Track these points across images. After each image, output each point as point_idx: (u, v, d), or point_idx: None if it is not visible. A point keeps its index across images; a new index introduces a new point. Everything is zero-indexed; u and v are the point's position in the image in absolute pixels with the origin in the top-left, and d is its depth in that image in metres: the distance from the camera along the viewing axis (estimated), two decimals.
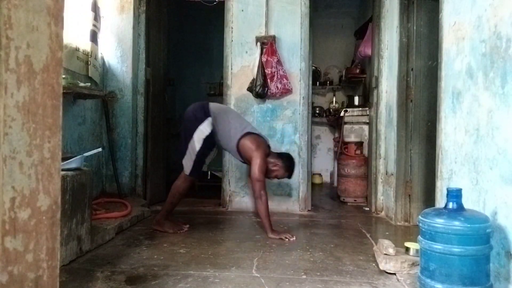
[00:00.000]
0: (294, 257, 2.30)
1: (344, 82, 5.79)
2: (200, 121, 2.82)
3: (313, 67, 4.92)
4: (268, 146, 2.96)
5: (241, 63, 3.78)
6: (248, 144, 2.81)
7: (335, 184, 4.94)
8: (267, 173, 2.87)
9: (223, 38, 3.84)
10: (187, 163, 2.83)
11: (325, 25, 5.84)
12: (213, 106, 2.94)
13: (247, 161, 2.89)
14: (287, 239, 2.67)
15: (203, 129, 2.80)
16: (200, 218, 3.38)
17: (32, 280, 0.82)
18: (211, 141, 2.85)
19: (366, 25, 4.68)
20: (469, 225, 1.53)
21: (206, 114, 2.85)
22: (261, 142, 2.88)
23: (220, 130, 2.85)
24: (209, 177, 5.03)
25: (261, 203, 2.75)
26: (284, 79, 3.62)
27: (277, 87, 3.59)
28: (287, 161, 2.94)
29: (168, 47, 4.43)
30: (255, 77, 3.62)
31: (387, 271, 2.03)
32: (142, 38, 3.86)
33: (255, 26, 3.75)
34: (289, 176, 3.00)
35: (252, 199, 3.73)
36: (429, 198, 2.98)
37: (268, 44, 3.63)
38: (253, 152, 2.78)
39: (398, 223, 3.21)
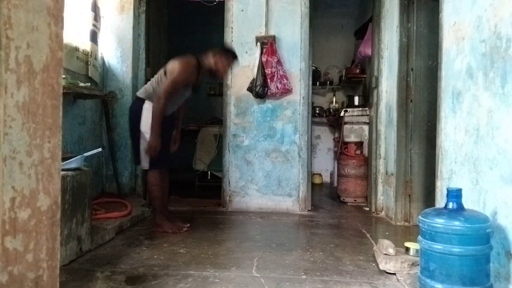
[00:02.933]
0: (294, 257, 2.30)
1: (344, 82, 5.79)
2: (139, 112, 2.77)
3: (313, 67, 4.92)
4: (197, 58, 2.81)
5: (241, 63, 3.77)
6: (169, 66, 2.73)
7: (335, 184, 4.93)
8: (215, 74, 2.82)
9: (223, 38, 3.84)
10: (143, 160, 2.78)
11: (325, 25, 5.83)
12: (139, 91, 2.92)
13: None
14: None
15: (146, 117, 2.74)
16: (200, 218, 3.38)
17: (32, 280, 0.82)
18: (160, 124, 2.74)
19: (366, 25, 4.68)
20: (469, 225, 1.53)
21: (139, 102, 2.80)
22: (180, 59, 2.74)
23: (156, 94, 2.73)
24: (209, 177, 5.03)
25: (157, 105, 2.65)
26: (284, 79, 3.62)
27: (277, 87, 3.59)
28: (221, 48, 2.89)
29: (168, 47, 4.43)
30: (255, 77, 3.62)
31: (387, 271, 2.02)
32: (142, 38, 3.87)
33: (255, 26, 3.75)
34: (234, 55, 2.89)
35: (255, 199, 3.73)
36: (429, 198, 2.98)
37: (268, 44, 3.63)
38: (171, 64, 2.72)
39: (398, 223, 3.21)
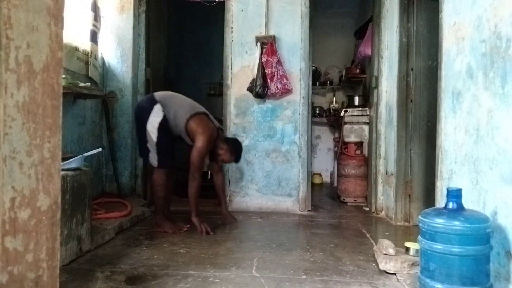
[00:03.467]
0: (294, 257, 2.30)
1: (344, 82, 5.79)
2: (149, 111, 2.79)
3: (313, 67, 4.92)
4: (220, 130, 2.97)
5: (241, 63, 3.78)
6: (194, 126, 2.80)
7: (335, 184, 4.93)
8: (215, 157, 2.91)
9: (223, 38, 3.84)
10: (152, 157, 2.81)
11: (325, 25, 5.83)
12: (158, 94, 2.93)
13: (192, 143, 2.84)
14: (201, 233, 2.74)
15: (154, 118, 2.77)
16: (200, 218, 3.37)
17: (32, 280, 0.82)
18: (166, 127, 2.79)
19: (366, 25, 4.68)
20: (469, 225, 1.53)
21: (152, 102, 2.82)
22: (209, 124, 2.86)
23: (169, 115, 2.80)
24: (209, 177, 5.02)
25: (193, 185, 2.77)
26: (284, 79, 3.62)
27: (277, 87, 3.59)
28: (233, 145, 2.99)
29: (168, 47, 4.43)
30: (255, 77, 3.62)
31: (387, 271, 2.02)
32: (142, 38, 3.86)
33: (255, 26, 3.75)
34: (236, 160, 3.04)
35: (255, 199, 3.74)
36: (429, 198, 2.98)
37: (268, 44, 3.63)
38: (197, 135, 2.77)
39: (398, 223, 3.21)
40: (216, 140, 2.88)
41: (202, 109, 2.97)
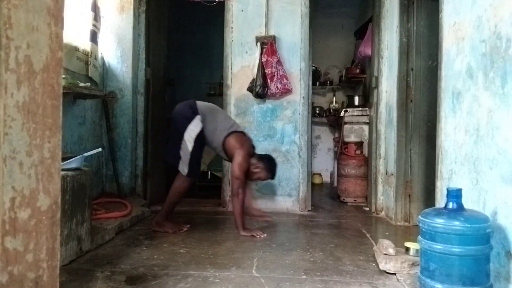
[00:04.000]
0: (294, 257, 2.30)
1: (344, 82, 5.79)
2: (189, 120, 2.81)
3: (313, 67, 4.92)
4: (253, 147, 2.98)
5: (241, 63, 3.78)
6: (232, 142, 2.83)
7: (335, 184, 4.94)
8: (249, 175, 2.89)
9: (223, 38, 3.84)
10: (183, 165, 2.82)
11: (325, 25, 5.84)
12: (200, 104, 2.94)
13: (230, 159, 2.89)
14: (258, 236, 2.72)
15: (193, 128, 2.79)
16: (200, 218, 3.38)
17: (32, 280, 0.82)
18: (202, 138, 2.84)
19: (366, 25, 4.68)
20: (469, 225, 1.53)
21: (194, 112, 2.84)
22: (245, 141, 2.89)
23: (208, 128, 2.85)
24: (209, 177, 5.03)
25: (237, 201, 2.77)
26: (284, 79, 3.62)
27: (277, 87, 3.59)
28: (269, 162, 2.97)
29: (168, 47, 4.42)
30: (255, 77, 3.62)
31: (387, 271, 2.02)
32: (142, 38, 3.86)
33: (255, 26, 3.75)
34: (272, 177, 3.02)
35: (255, 199, 3.73)
36: (429, 198, 2.98)
37: (268, 44, 3.63)
38: (236, 150, 2.80)
39: (398, 223, 3.21)
40: (251, 156, 2.89)
41: (239, 128, 3.02)
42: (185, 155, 2.80)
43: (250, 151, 2.90)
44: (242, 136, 2.92)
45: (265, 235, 2.75)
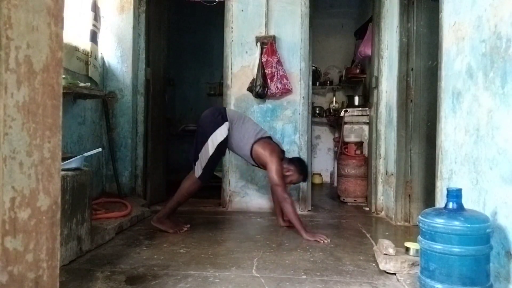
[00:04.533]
0: (294, 257, 2.30)
1: (344, 82, 5.79)
2: (217, 125, 2.82)
3: (313, 67, 4.92)
4: (282, 152, 2.96)
5: (241, 63, 3.78)
6: (261, 150, 2.82)
7: (335, 184, 4.94)
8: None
9: (223, 38, 3.84)
10: (199, 167, 2.83)
11: (325, 25, 5.84)
12: (230, 111, 2.96)
13: (261, 166, 2.89)
14: (322, 241, 2.61)
15: (219, 134, 2.80)
16: (200, 218, 3.38)
17: (32, 280, 0.82)
18: (224, 147, 2.86)
19: (366, 25, 4.68)
20: (469, 225, 1.53)
21: (223, 118, 2.85)
22: (274, 147, 2.88)
23: (235, 135, 2.86)
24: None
25: (287, 205, 2.71)
26: (284, 79, 3.62)
27: (277, 87, 3.59)
28: (300, 164, 2.95)
29: (168, 47, 4.42)
30: (255, 77, 3.62)
31: (387, 271, 2.02)
32: (142, 38, 3.86)
33: (255, 26, 3.75)
34: (304, 179, 2.99)
35: (255, 199, 3.74)
36: (429, 198, 2.98)
37: (268, 44, 3.63)
38: (267, 158, 2.78)
39: (398, 223, 3.21)
40: (281, 161, 2.87)
41: (266, 134, 3.01)
42: (203, 157, 2.80)
43: (280, 155, 2.87)
44: (269, 141, 2.90)
45: (328, 240, 2.62)
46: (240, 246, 2.54)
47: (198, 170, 2.83)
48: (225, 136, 2.81)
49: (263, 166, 2.87)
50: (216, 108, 2.99)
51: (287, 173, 2.88)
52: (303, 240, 2.66)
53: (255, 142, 2.85)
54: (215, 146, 2.78)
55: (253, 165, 3.02)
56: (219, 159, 2.95)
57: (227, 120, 2.84)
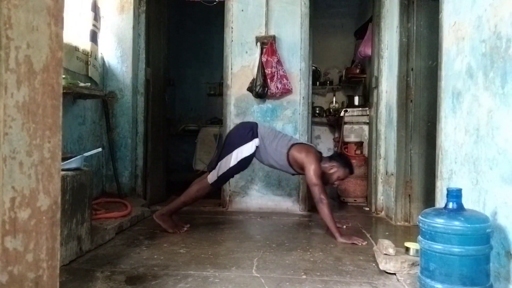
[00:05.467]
0: (294, 257, 2.30)
1: (344, 82, 5.79)
2: (245, 141, 2.82)
3: (313, 67, 4.92)
4: (320, 153, 2.94)
5: (241, 63, 3.78)
6: (297, 153, 2.81)
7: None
8: (328, 179, 2.85)
9: (223, 38, 3.84)
10: (215, 173, 2.83)
11: (325, 25, 5.83)
12: (261, 128, 2.94)
13: (300, 170, 2.87)
14: (359, 244, 2.57)
15: (245, 150, 2.81)
16: (200, 218, 3.38)
17: (32, 280, 0.82)
18: (247, 163, 2.87)
19: (366, 25, 4.68)
20: (469, 225, 1.53)
21: (253, 135, 2.85)
22: (309, 148, 2.88)
23: (268, 150, 2.85)
24: None
25: (323, 206, 2.67)
26: (284, 79, 3.62)
27: (277, 87, 3.59)
28: (341, 159, 2.93)
29: (168, 47, 4.43)
30: (255, 77, 3.62)
31: (387, 271, 2.02)
32: (142, 38, 3.86)
33: (255, 26, 3.75)
34: (351, 171, 2.93)
35: (255, 199, 3.74)
36: (429, 198, 2.98)
37: (268, 44, 3.63)
38: (303, 159, 2.77)
39: (398, 223, 3.21)
40: (320, 161, 2.84)
41: (298, 140, 3.03)
42: (223, 167, 2.81)
43: (317, 155, 2.84)
44: (303, 145, 2.91)
45: (366, 242, 2.58)
46: (240, 246, 2.54)
47: (213, 176, 2.83)
48: (251, 153, 2.82)
49: (301, 170, 2.83)
50: (248, 123, 3.00)
51: (332, 171, 2.84)
52: (337, 242, 2.61)
53: (290, 148, 2.84)
54: (237, 160, 2.79)
55: (294, 174, 3.00)
56: (237, 173, 2.95)
57: (257, 137, 2.84)
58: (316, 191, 2.69)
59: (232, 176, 2.98)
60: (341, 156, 2.98)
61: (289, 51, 3.74)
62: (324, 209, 2.67)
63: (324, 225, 2.80)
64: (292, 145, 2.87)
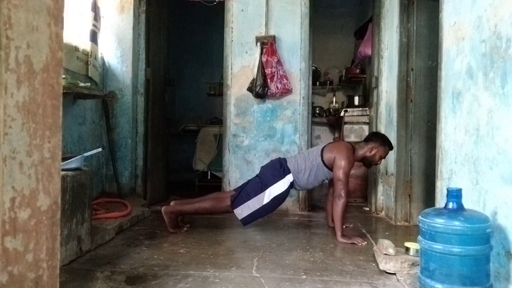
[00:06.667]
0: (294, 257, 2.30)
1: (344, 82, 5.79)
2: (278, 178, 2.80)
3: (313, 67, 4.92)
4: (351, 144, 2.95)
5: (241, 63, 3.78)
6: (329, 154, 2.82)
7: None
8: (371, 161, 2.88)
9: (223, 38, 3.84)
10: (245, 208, 2.77)
11: (325, 25, 5.83)
12: (289, 160, 2.92)
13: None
14: (359, 244, 2.58)
15: (278, 187, 2.78)
16: (200, 218, 3.37)
17: (32, 280, 0.82)
18: (280, 201, 2.83)
19: (366, 25, 4.68)
20: (469, 225, 1.53)
21: (285, 171, 2.83)
22: (339, 144, 2.88)
23: (306, 174, 2.83)
24: (209, 177, 5.03)
25: (339, 202, 2.68)
26: (284, 79, 3.62)
27: (277, 87, 3.59)
28: (377, 137, 2.94)
29: (168, 47, 4.43)
30: (255, 77, 3.62)
31: (387, 271, 2.02)
32: (142, 38, 3.86)
33: (255, 26, 3.75)
34: (391, 147, 2.94)
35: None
36: (429, 198, 2.98)
37: (268, 44, 3.63)
38: (335, 155, 2.77)
39: (398, 223, 3.21)
40: (356, 152, 2.86)
41: (325, 144, 3.00)
42: (254, 203, 2.76)
43: (350, 148, 2.84)
44: (332, 144, 2.90)
45: (366, 243, 2.59)
46: (240, 246, 2.54)
47: (242, 211, 2.76)
48: (284, 189, 2.80)
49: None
50: (277, 159, 2.98)
51: (372, 152, 2.86)
52: (337, 242, 2.63)
53: (322, 154, 2.83)
54: (271, 197, 2.76)
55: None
56: (268, 212, 2.87)
57: (289, 172, 2.83)
58: (339, 186, 2.70)
59: (262, 216, 2.89)
60: (376, 135, 2.99)
61: (289, 51, 3.74)
62: (339, 205, 2.68)
63: (326, 224, 2.80)
64: (322, 149, 2.87)
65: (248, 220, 2.80)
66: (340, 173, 2.72)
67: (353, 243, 2.59)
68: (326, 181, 3.04)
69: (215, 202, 2.85)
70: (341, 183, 2.70)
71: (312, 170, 2.84)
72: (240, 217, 2.79)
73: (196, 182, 4.96)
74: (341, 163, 2.74)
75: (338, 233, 2.67)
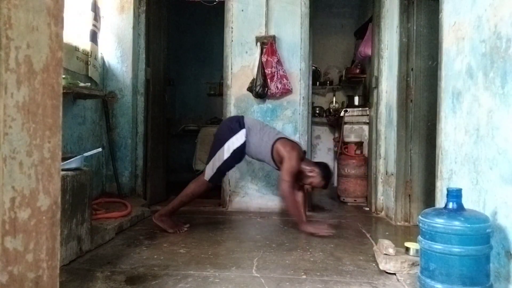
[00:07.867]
0: (294, 257, 2.30)
1: (344, 82, 5.78)
2: (234, 132, 2.86)
3: (313, 67, 4.92)
4: (304, 152, 2.98)
5: (241, 63, 3.78)
6: (281, 147, 2.83)
7: (335, 184, 4.93)
8: (303, 178, 2.88)
9: (223, 38, 3.84)
10: (210, 169, 2.86)
11: (325, 25, 5.83)
12: (248, 119, 3.00)
13: (280, 165, 2.85)
14: (325, 233, 2.66)
15: (235, 140, 2.84)
16: (200, 218, 3.38)
17: (32, 280, 0.82)
18: (240, 154, 2.89)
19: (366, 25, 4.68)
20: (469, 225, 1.53)
21: (240, 125, 2.89)
22: (295, 145, 2.89)
23: (254, 140, 2.88)
24: None
25: (287, 201, 2.79)
26: (284, 79, 3.62)
27: (277, 87, 3.59)
28: (325, 169, 2.92)
29: (168, 47, 4.42)
30: (255, 77, 3.62)
31: (387, 271, 2.03)
32: (142, 38, 3.86)
33: (255, 26, 3.75)
34: (326, 185, 2.94)
35: (255, 199, 3.73)
36: (429, 198, 2.98)
37: (268, 44, 3.63)
38: (285, 153, 2.79)
39: (398, 223, 3.21)
40: (301, 161, 2.86)
41: (285, 135, 3.03)
42: (217, 161, 2.84)
43: (301, 154, 2.87)
44: (289, 141, 2.91)
45: (334, 231, 2.65)
46: (240, 246, 2.54)
47: (208, 172, 2.85)
48: (241, 142, 2.84)
49: (281, 164, 2.83)
50: (234, 116, 3.05)
51: (310, 174, 2.87)
52: (301, 232, 2.71)
53: (276, 141, 2.86)
54: (230, 151, 2.82)
55: (276, 168, 2.96)
56: (233, 166, 2.97)
57: (244, 127, 2.88)
58: (284, 186, 2.73)
59: (228, 170, 3.00)
60: (326, 168, 2.96)
61: (289, 51, 3.74)
62: (287, 203, 2.81)
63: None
64: (279, 138, 2.88)
65: (215, 178, 2.87)
66: (286, 174, 2.74)
67: (318, 233, 2.70)
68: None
69: (194, 185, 2.90)
70: (286, 184, 2.72)
71: (262, 142, 2.87)
72: (207, 178, 2.84)
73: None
74: (290, 163, 2.75)
75: (301, 224, 2.77)
